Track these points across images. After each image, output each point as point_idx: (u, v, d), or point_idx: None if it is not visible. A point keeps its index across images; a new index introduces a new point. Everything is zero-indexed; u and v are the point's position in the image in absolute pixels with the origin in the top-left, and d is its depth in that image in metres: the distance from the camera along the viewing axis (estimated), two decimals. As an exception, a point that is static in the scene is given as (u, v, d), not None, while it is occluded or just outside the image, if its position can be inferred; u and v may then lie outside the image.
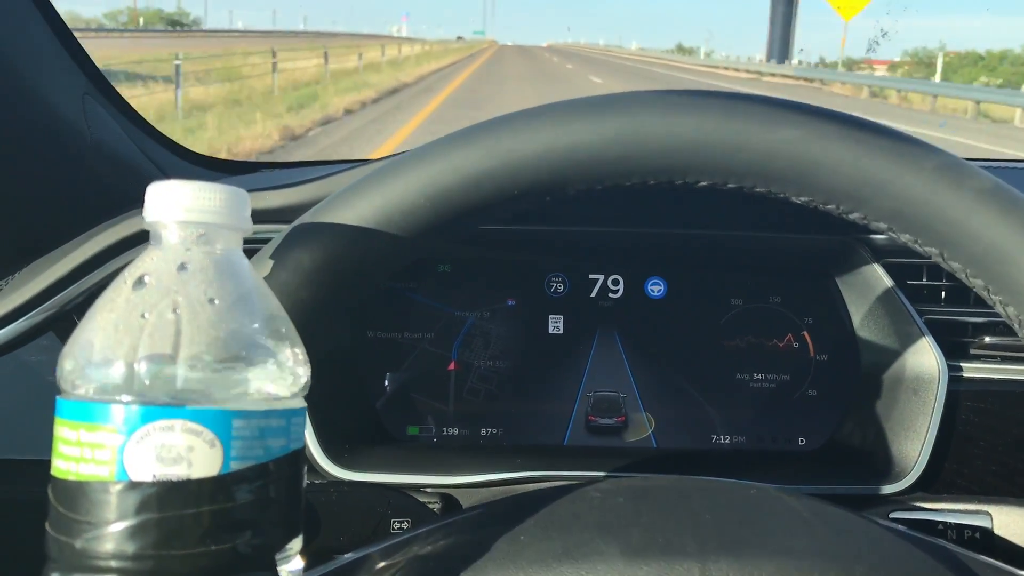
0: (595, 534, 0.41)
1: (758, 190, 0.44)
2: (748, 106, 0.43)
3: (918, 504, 0.60)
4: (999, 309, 0.44)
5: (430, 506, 0.66)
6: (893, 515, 0.61)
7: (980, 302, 0.74)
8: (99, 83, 0.85)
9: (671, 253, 0.78)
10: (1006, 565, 0.45)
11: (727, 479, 0.50)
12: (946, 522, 0.58)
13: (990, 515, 0.57)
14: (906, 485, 0.68)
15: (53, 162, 0.72)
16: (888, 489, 0.68)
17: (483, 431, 0.75)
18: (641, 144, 0.43)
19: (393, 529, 0.62)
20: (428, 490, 0.68)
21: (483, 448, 0.74)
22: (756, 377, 0.77)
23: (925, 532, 0.60)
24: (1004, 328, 0.74)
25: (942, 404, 0.68)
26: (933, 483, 0.70)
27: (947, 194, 0.42)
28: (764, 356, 0.77)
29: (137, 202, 0.82)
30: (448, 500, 0.68)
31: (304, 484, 0.37)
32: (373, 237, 0.43)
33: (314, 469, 0.66)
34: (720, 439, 0.76)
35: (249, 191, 0.76)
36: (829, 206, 0.44)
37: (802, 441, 0.76)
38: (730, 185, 0.44)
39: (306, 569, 0.42)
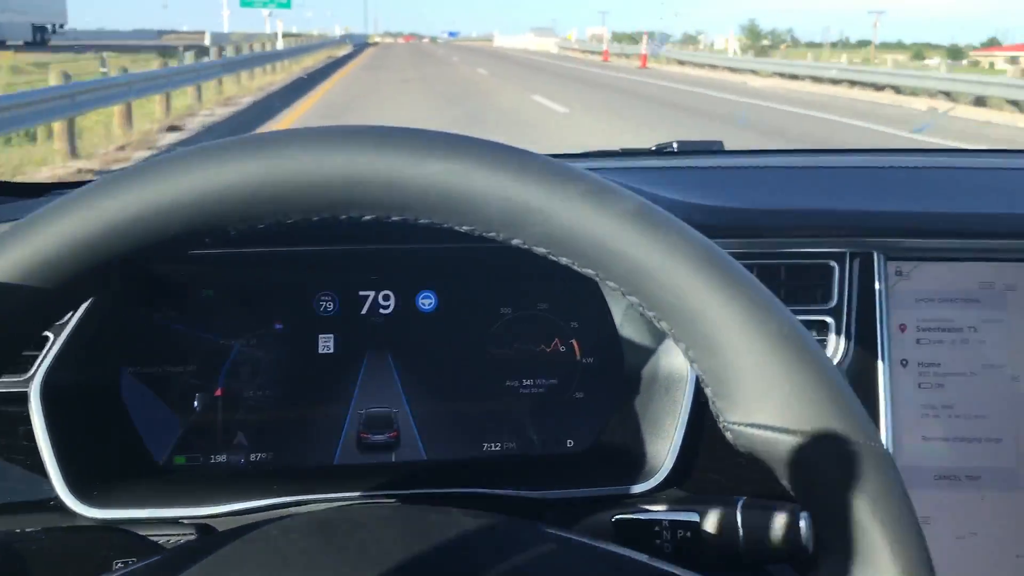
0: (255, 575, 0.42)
1: (421, 222, 0.45)
2: (398, 140, 0.44)
3: (642, 507, 0.63)
4: (657, 324, 0.46)
5: (180, 540, 0.65)
6: (616, 517, 0.63)
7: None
8: None
9: (441, 266, 0.79)
10: (680, 569, 0.48)
11: (426, 505, 0.51)
12: (661, 521, 0.61)
13: (698, 512, 0.59)
14: (654, 485, 0.70)
15: None
16: (637, 489, 0.70)
17: (252, 456, 0.75)
18: (294, 183, 0.43)
19: (114, 570, 0.61)
20: (185, 521, 0.67)
21: (247, 475, 0.73)
22: (525, 383, 0.79)
23: (643, 533, 0.62)
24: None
25: (690, 403, 0.71)
26: (685, 481, 0.73)
27: (592, 217, 0.44)
28: (532, 362, 0.79)
29: None
30: (206, 531, 0.67)
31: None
32: (17, 292, 0.42)
33: (62, 510, 0.65)
34: (491, 447, 0.77)
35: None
36: (490, 234, 0.45)
37: (570, 443, 0.78)
38: (394, 218, 0.45)
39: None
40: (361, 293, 0.78)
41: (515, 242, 0.46)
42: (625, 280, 0.45)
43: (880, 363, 0.75)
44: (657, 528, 0.61)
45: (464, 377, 0.78)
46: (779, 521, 0.57)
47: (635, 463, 0.73)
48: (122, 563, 0.61)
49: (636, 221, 0.44)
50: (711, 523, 0.59)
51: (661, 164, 1.04)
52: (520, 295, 0.79)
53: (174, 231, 0.44)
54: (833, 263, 0.76)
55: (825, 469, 0.44)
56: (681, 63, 28.54)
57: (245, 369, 0.75)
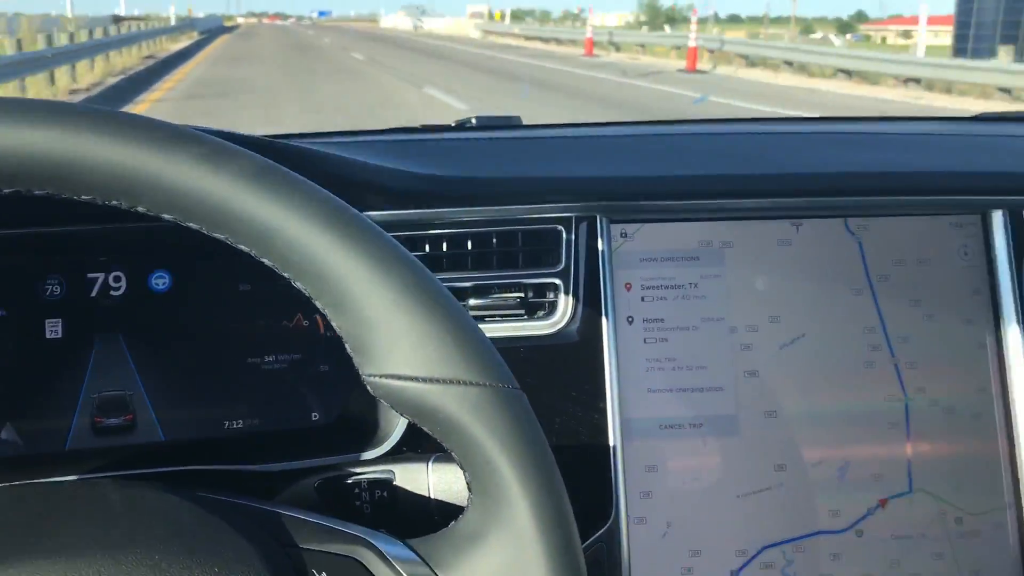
0: None
1: (38, 193, 0.44)
2: (6, 108, 0.42)
3: (348, 467, 0.64)
4: (295, 284, 0.47)
5: None
6: (318, 482, 0.64)
7: (479, 265, 0.80)
8: None
9: (175, 244, 0.78)
10: (322, 518, 0.49)
11: (97, 477, 0.51)
12: (360, 483, 0.62)
13: (393, 471, 0.61)
14: (385, 450, 0.72)
15: None
16: (369, 455, 0.72)
17: None
18: None
19: None
20: None
21: None
22: (267, 359, 0.78)
23: (346, 495, 0.64)
24: (499, 288, 0.79)
25: None
26: (421, 445, 0.74)
27: (210, 179, 0.44)
28: (275, 337, 0.79)
29: None
30: None
31: None
32: None
33: None
34: (233, 424, 0.77)
35: None
36: (113, 202, 0.45)
37: (316, 416, 0.79)
38: (5, 190, 0.43)
39: None
40: (90, 276, 0.76)
41: (140, 208, 0.45)
42: (253, 242, 0.46)
43: (606, 321, 0.78)
44: (357, 490, 0.62)
45: (202, 356, 0.77)
46: (460, 473, 0.59)
47: (372, 431, 0.74)
48: None
49: (256, 181, 0.45)
50: (404, 480, 0.61)
51: (454, 138, 1.05)
52: (259, 271, 0.78)
53: None
54: (560, 227, 0.79)
55: (456, 413, 0.46)
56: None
57: None
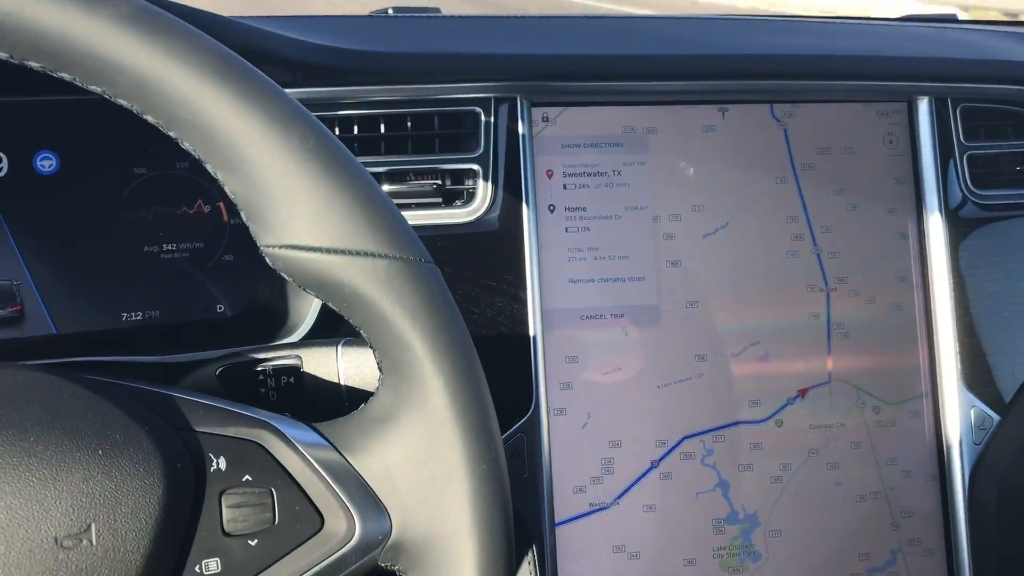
0: None
1: None
2: None
3: (253, 355, 0.61)
4: (183, 145, 0.42)
5: None
6: (219, 369, 0.61)
7: (393, 150, 0.76)
8: None
9: (62, 123, 0.72)
10: (221, 402, 0.46)
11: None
12: (266, 370, 0.59)
13: (300, 357, 0.58)
14: (297, 339, 0.68)
15: None
16: (278, 343, 0.68)
17: None
18: None
19: None
20: None
21: None
22: (167, 248, 0.74)
23: (249, 382, 0.61)
24: (415, 174, 0.76)
25: None
26: (334, 333, 0.71)
27: (83, 23, 0.39)
28: (174, 225, 0.74)
29: None
30: None
31: None
32: None
33: None
34: (131, 316, 0.73)
35: None
36: None
37: (220, 308, 0.75)
38: None
39: None
40: None
41: (1, 55, 0.40)
42: (133, 96, 0.41)
43: (527, 209, 0.75)
44: (262, 377, 0.59)
45: (95, 244, 0.72)
46: (372, 358, 0.56)
47: (282, 320, 0.71)
48: None
49: (132, 24, 0.40)
50: (311, 366, 0.58)
51: (369, 18, 1.00)
52: (155, 154, 0.74)
53: None
54: (479, 109, 0.75)
55: (363, 287, 0.42)
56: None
57: None
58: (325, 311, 0.69)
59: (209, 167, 0.42)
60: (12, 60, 0.40)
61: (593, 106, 0.77)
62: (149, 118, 0.42)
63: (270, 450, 0.44)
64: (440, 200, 0.75)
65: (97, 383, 0.45)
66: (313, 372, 0.58)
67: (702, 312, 0.78)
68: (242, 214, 0.43)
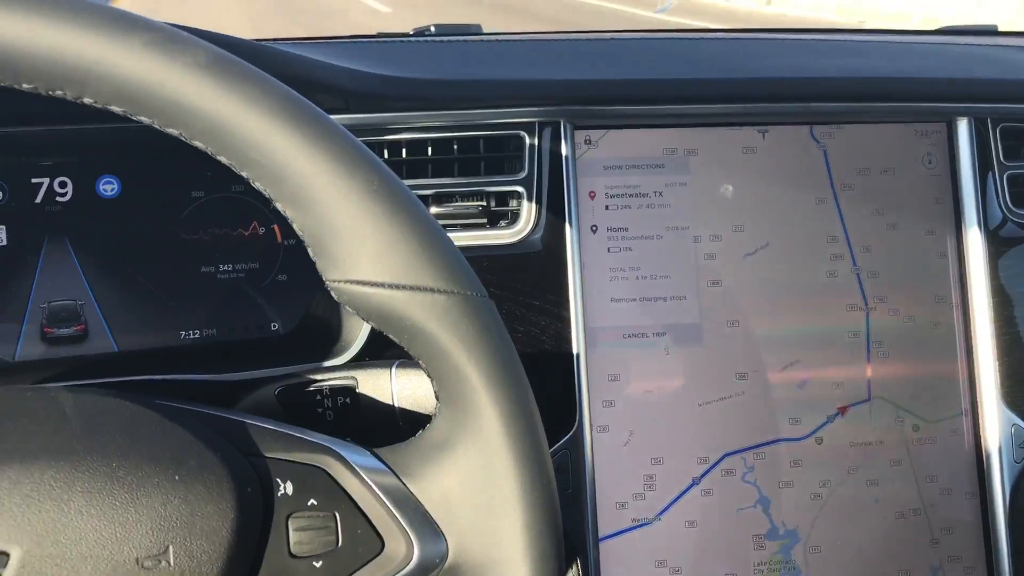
0: None
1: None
2: None
3: (310, 375, 0.63)
4: (255, 185, 0.44)
5: None
6: (278, 390, 0.63)
7: (440, 172, 0.78)
8: None
9: (124, 148, 0.75)
10: (286, 427, 0.48)
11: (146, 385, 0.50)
12: (322, 390, 0.61)
13: (355, 378, 0.60)
14: (348, 358, 0.71)
15: None
16: (331, 363, 0.71)
17: None
18: None
19: None
20: None
21: None
22: (223, 268, 0.76)
23: (307, 403, 0.63)
24: (460, 196, 0.78)
25: None
26: (383, 354, 0.73)
27: (161, 71, 0.41)
28: (230, 246, 0.76)
29: None
30: None
31: None
32: None
33: None
34: (189, 334, 0.75)
35: None
36: (56, 92, 0.42)
37: (275, 326, 0.77)
38: None
39: None
40: (34, 180, 0.73)
41: (87, 100, 0.43)
42: (209, 138, 0.43)
43: (570, 229, 0.77)
44: (319, 397, 0.61)
45: (154, 265, 0.75)
46: (426, 380, 0.58)
47: (333, 340, 0.73)
48: None
49: (209, 72, 0.42)
50: (367, 387, 0.60)
51: (413, 42, 1.02)
52: (212, 177, 0.77)
53: None
54: (523, 133, 0.77)
55: (423, 321, 0.44)
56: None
57: None
58: (375, 331, 0.71)
59: (279, 205, 0.44)
60: (96, 105, 0.43)
61: (634, 128, 0.79)
62: (223, 159, 0.44)
63: (334, 475, 0.46)
64: (485, 221, 0.77)
65: (170, 409, 0.47)
66: (368, 393, 0.60)
67: (743, 331, 0.80)
68: (309, 250, 0.45)
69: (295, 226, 0.44)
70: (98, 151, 0.74)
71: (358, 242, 0.43)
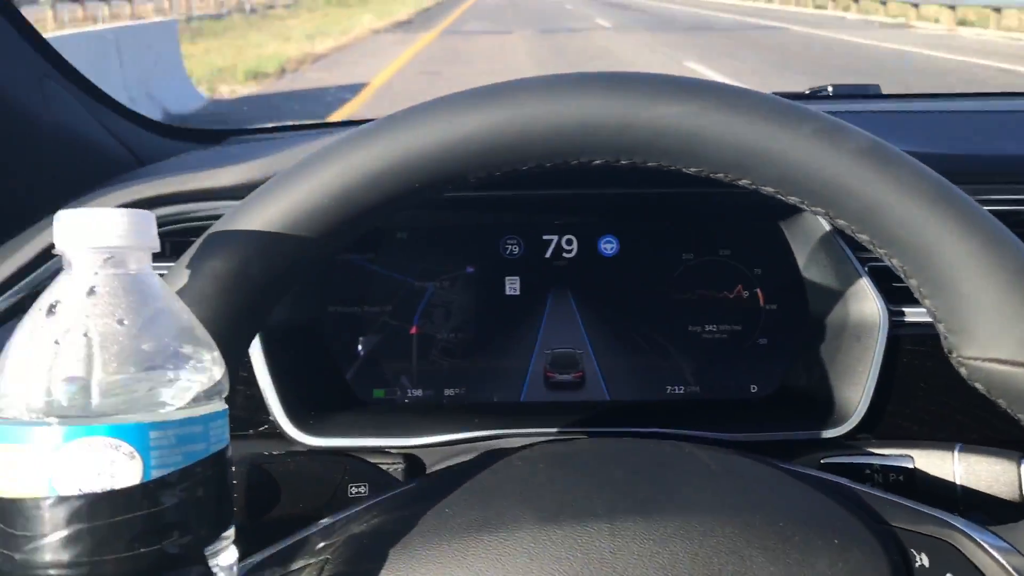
0: (513, 502, 0.44)
1: (650, 164, 0.46)
2: (630, 84, 0.44)
3: (850, 449, 0.63)
4: (887, 261, 0.46)
5: (392, 467, 0.69)
6: (824, 460, 0.64)
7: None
8: (59, 64, 0.86)
9: (623, 211, 0.80)
10: (906, 500, 0.48)
11: (648, 437, 0.53)
12: (872, 465, 0.61)
13: (912, 457, 0.59)
14: (847, 430, 0.70)
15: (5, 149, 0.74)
16: (829, 434, 0.70)
17: (446, 391, 0.78)
18: (530, 131, 0.44)
19: (351, 494, 0.65)
20: (392, 451, 0.71)
21: (444, 409, 0.77)
22: (708, 328, 0.79)
23: (852, 476, 0.63)
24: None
25: (883, 349, 0.70)
26: (876, 427, 0.72)
27: (825, 157, 0.44)
28: (715, 308, 0.79)
29: (100, 179, 0.84)
30: (411, 460, 0.71)
31: (232, 478, 0.40)
32: (282, 241, 0.44)
33: (282, 436, 0.70)
34: (674, 390, 0.79)
35: (203, 169, 0.77)
36: (718, 175, 0.46)
37: (754, 388, 0.79)
38: (623, 161, 0.45)
39: (253, 546, 0.45)
40: (545, 237, 0.80)
41: (743, 183, 0.46)
42: (857, 218, 0.45)
43: None
44: (868, 471, 0.61)
45: (647, 321, 0.79)
46: (1001, 467, 0.56)
47: (823, 409, 0.73)
48: (355, 487, 0.65)
49: (869, 158, 0.44)
50: (926, 467, 0.59)
51: (825, 109, 1.01)
52: (702, 241, 0.80)
53: (422, 180, 0.45)
54: None
55: None
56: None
57: (439, 310, 0.78)
58: (874, 406, 0.70)
59: (912, 282, 0.45)
60: (749, 187, 0.46)
61: None
62: (863, 238, 0.46)
63: (965, 552, 0.46)
64: None
65: (790, 472, 0.49)
66: (924, 470, 0.60)
67: None
68: (939, 326, 0.45)
69: (926, 302, 0.45)
70: (601, 213, 0.80)
71: (1004, 321, 0.43)
